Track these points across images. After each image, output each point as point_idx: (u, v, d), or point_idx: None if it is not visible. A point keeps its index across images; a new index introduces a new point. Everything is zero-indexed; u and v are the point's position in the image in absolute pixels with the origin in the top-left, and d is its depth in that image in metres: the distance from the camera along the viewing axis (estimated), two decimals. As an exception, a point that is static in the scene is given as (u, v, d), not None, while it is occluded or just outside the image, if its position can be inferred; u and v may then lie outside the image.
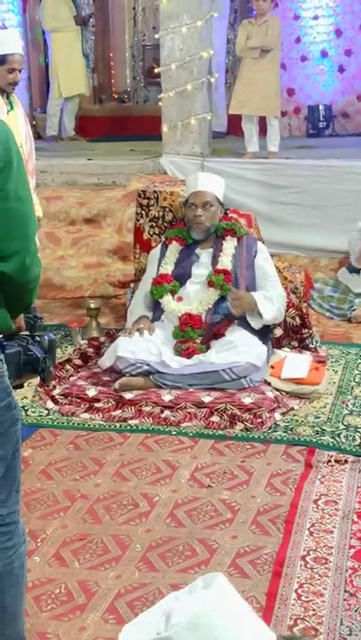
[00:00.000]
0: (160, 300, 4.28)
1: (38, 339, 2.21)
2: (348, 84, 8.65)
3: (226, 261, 4.26)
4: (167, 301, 4.26)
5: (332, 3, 8.57)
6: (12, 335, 2.14)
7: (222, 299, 4.21)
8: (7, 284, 1.98)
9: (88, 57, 8.80)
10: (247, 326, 4.18)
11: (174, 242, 4.39)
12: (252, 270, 4.29)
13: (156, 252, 4.48)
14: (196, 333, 4.16)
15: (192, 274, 4.32)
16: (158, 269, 4.36)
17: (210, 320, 4.19)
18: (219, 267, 4.25)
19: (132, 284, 4.94)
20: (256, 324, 4.18)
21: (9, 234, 1.94)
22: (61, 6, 8.36)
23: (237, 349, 4.00)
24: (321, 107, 8.57)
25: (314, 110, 8.60)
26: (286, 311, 4.48)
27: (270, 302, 4.20)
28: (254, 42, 6.65)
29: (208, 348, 4.11)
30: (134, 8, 10.35)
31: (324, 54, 8.71)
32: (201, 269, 4.32)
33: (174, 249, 4.38)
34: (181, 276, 4.32)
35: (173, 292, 4.28)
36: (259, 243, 4.43)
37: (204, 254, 4.35)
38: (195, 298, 4.25)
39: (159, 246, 4.49)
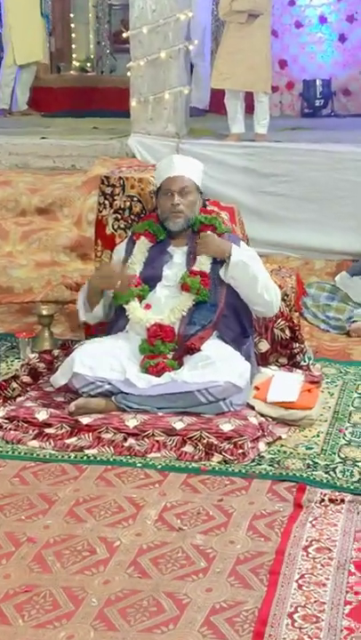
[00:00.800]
0: (125, 307, 4.26)
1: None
2: (350, 56, 8.73)
3: (204, 261, 4.26)
4: (134, 308, 4.24)
5: None
6: None
7: (199, 305, 4.20)
8: None
9: (48, 18, 8.76)
10: (230, 339, 4.19)
11: (143, 237, 4.38)
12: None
13: (120, 248, 4.48)
14: (168, 347, 4.14)
15: (163, 276, 4.31)
16: None
17: (184, 332, 4.18)
18: (195, 267, 4.25)
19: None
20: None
21: None
22: None
23: (215, 366, 3.99)
24: (318, 82, 8.64)
25: (310, 86, 8.67)
26: (274, 322, 4.49)
27: (255, 261, 4.23)
28: (241, 4, 6.69)
29: (181, 364, 4.10)
30: None
31: (322, 20, 8.79)
32: (174, 270, 4.31)
33: (143, 246, 4.37)
34: (151, 278, 4.31)
35: (141, 298, 4.26)
36: (242, 243, 4.43)
37: (178, 253, 4.35)
38: (166, 304, 4.24)
39: (125, 242, 4.48)
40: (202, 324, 4.18)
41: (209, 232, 4.23)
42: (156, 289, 4.29)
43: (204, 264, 4.25)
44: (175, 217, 4.28)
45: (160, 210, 4.36)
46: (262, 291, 4.20)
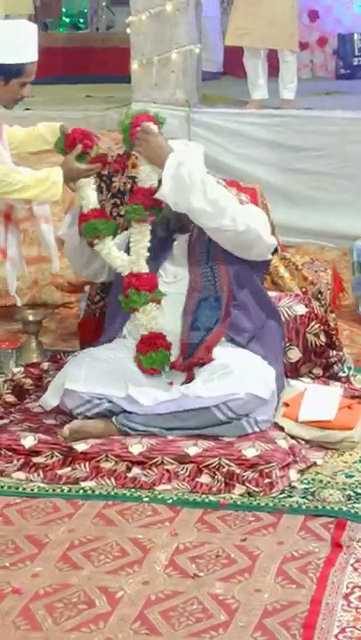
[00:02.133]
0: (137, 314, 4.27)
1: None
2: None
3: (148, 172, 4.28)
4: (149, 315, 4.25)
5: None
6: None
7: (201, 304, 4.23)
8: None
9: None
10: (246, 340, 4.20)
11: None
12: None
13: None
14: (142, 298, 4.18)
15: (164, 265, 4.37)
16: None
17: (187, 339, 4.21)
18: (140, 184, 4.30)
19: (86, 288, 4.94)
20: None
21: None
22: None
23: (234, 376, 4.00)
24: (356, 36, 8.66)
25: (346, 41, 8.70)
26: (307, 326, 4.49)
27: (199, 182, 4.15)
28: None
29: (191, 377, 4.11)
30: None
31: None
32: (174, 259, 4.37)
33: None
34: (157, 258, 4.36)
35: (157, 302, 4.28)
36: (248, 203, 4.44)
37: (180, 241, 4.39)
38: (169, 305, 4.27)
39: None
40: (207, 328, 4.20)
41: (152, 125, 4.21)
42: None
43: (149, 174, 4.26)
44: None
45: None
46: (221, 200, 4.16)
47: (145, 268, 4.23)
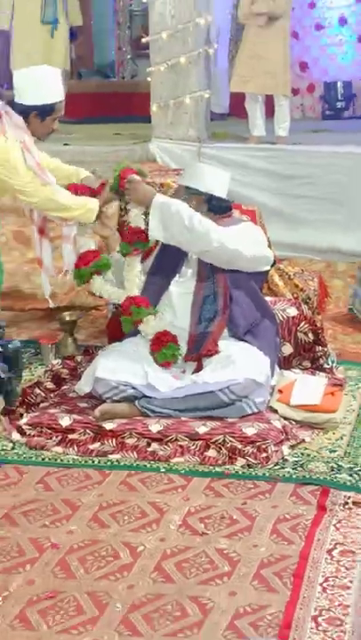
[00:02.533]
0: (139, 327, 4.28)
1: (1, 348, 2.22)
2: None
3: (137, 213, 4.30)
4: (149, 325, 4.25)
5: None
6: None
7: (204, 300, 4.23)
8: None
9: (55, 23, 8.65)
10: (244, 331, 4.19)
11: None
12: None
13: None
14: (175, 349, 4.17)
15: (180, 271, 4.34)
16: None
17: (195, 331, 4.20)
18: (131, 224, 4.32)
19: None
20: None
21: None
22: None
23: (235, 365, 4.00)
24: (339, 84, 8.64)
25: (331, 88, 8.66)
26: (297, 325, 4.49)
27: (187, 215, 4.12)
28: (260, 6, 6.71)
29: (200, 367, 4.12)
30: (119, -33, 10.45)
31: (342, 21, 8.78)
32: (188, 267, 4.34)
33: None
34: (166, 273, 4.34)
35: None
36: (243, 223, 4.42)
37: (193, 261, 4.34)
38: (181, 301, 4.27)
39: None
40: (208, 319, 4.19)
41: (135, 176, 4.23)
42: (170, 287, 4.32)
43: (137, 216, 4.29)
44: None
45: None
46: (198, 225, 4.10)
47: (138, 293, 4.28)
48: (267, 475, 3.61)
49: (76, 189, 4.28)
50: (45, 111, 4.18)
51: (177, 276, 4.33)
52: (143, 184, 4.24)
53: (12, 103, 4.17)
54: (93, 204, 4.25)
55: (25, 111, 4.13)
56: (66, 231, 4.40)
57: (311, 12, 8.76)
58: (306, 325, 4.53)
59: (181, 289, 4.29)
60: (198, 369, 4.13)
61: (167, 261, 4.35)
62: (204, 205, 4.29)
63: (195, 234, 4.10)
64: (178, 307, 4.28)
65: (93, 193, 4.34)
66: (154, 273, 4.37)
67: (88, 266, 4.33)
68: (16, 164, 4.04)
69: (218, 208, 4.33)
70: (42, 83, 4.21)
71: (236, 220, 4.43)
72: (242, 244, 4.17)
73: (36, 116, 4.16)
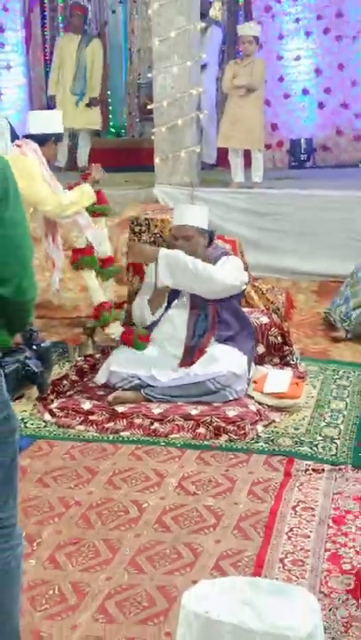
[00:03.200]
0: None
1: (35, 347, 2.22)
2: (327, 120, 8.73)
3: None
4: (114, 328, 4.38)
5: (312, 44, 8.65)
6: (10, 350, 2.15)
7: (198, 319, 4.20)
8: (5, 306, 1.99)
9: (82, 95, 8.65)
10: (228, 337, 4.19)
11: None
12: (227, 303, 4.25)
13: (151, 267, 4.41)
14: (138, 332, 4.25)
15: (181, 295, 4.29)
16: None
17: (189, 343, 4.18)
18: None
19: (125, 305, 4.95)
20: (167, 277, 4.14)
21: (6, 259, 1.95)
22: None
23: (219, 362, 4.01)
24: (302, 140, 8.64)
25: (296, 144, 8.67)
26: (269, 330, 4.50)
27: (187, 263, 4.09)
28: (240, 81, 6.73)
29: (193, 363, 4.11)
30: (130, 49, 10.43)
31: (305, 92, 8.80)
32: (183, 294, 4.27)
33: None
34: (170, 298, 4.30)
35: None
36: (230, 256, 4.33)
37: None
38: (178, 319, 4.23)
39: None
40: (199, 335, 4.17)
41: (134, 242, 4.22)
42: (170, 307, 4.28)
43: (150, 273, 4.28)
44: None
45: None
46: (202, 271, 4.09)
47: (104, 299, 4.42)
48: (244, 448, 3.61)
49: (69, 187, 4.32)
50: (59, 138, 4.39)
51: (175, 301, 4.27)
52: (141, 245, 4.17)
53: (29, 136, 4.26)
54: (85, 186, 4.32)
55: (45, 138, 4.24)
56: (82, 222, 4.39)
57: (280, 84, 8.77)
58: (276, 330, 4.53)
59: (179, 310, 4.25)
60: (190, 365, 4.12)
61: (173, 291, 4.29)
62: (206, 239, 4.26)
63: (199, 277, 4.08)
64: (176, 323, 4.24)
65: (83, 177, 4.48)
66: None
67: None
68: (35, 176, 4.07)
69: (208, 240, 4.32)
70: (55, 119, 4.43)
71: (219, 249, 4.38)
72: (233, 275, 4.16)
73: (53, 141, 4.30)
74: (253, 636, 0.98)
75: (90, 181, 4.39)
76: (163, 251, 4.16)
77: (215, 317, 4.19)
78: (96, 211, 4.43)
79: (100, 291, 4.45)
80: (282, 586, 1.04)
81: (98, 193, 4.43)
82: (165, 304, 4.30)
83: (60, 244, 4.56)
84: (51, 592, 2.56)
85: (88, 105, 8.33)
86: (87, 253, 4.42)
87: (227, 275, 4.14)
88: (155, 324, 4.30)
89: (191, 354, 4.15)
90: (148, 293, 4.33)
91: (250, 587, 1.07)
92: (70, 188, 4.32)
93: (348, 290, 5.25)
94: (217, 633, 0.98)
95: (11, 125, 4.52)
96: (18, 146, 4.12)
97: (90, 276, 4.44)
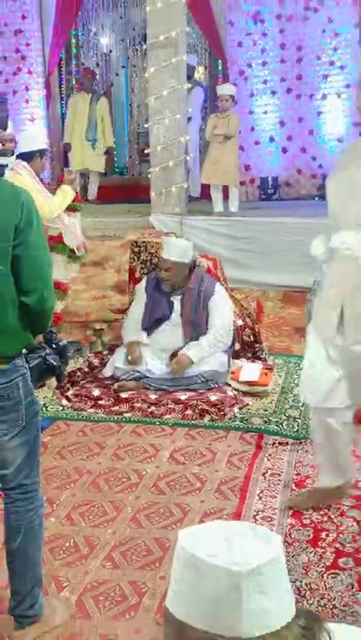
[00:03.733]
0: None
1: (54, 345, 2.22)
2: (289, 162, 8.74)
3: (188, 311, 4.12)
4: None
5: (277, 101, 8.67)
6: (34, 348, 2.15)
7: (192, 331, 4.11)
8: (29, 312, 2.00)
9: (95, 141, 8.65)
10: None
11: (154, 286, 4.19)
12: (206, 312, 4.12)
13: (141, 287, 4.34)
14: None
15: (170, 317, 4.16)
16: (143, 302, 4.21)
17: (179, 348, 4.08)
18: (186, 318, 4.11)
19: (127, 311, 4.94)
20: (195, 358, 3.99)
21: (31, 275, 1.96)
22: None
23: (205, 361, 3.99)
24: (270, 178, 8.65)
25: (264, 181, 8.68)
26: (243, 331, 4.50)
27: (201, 349, 4.00)
28: (219, 130, 6.72)
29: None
30: (131, 105, 10.45)
31: (271, 139, 8.80)
32: (175, 314, 4.16)
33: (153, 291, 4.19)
34: (161, 318, 4.16)
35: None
36: (217, 285, 4.21)
37: (177, 299, 4.17)
38: (172, 331, 4.12)
39: (144, 282, 4.32)
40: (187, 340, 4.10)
41: (177, 367, 3.95)
42: (161, 326, 4.15)
43: (189, 314, 4.10)
44: (164, 283, 4.13)
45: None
46: (211, 348, 4.03)
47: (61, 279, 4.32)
48: (224, 426, 3.61)
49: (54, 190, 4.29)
50: (44, 152, 4.22)
51: (167, 322, 4.14)
52: (182, 361, 3.95)
53: (20, 155, 4.16)
54: (64, 187, 4.26)
55: (32, 155, 4.11)
56: (67, 221, 4.35)
57: (252, 133, 8.77)
58: (248, 331, 4.53)
59: (172, 328, 4.13)
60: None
61: (157, 312, 4.15)
62: (185, 268, 4.10)
63: (214, 350, 4.02)
64: (170, 337, 4.10)
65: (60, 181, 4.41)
66: (149, 318, 4.19)
67: None
68: (31, 190, 4.02)
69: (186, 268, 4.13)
70: (39, 136, 4.35)
71: (208, 279, 4.21)
72: (226, 327, 4.08)
73: (39, 156, 4.15)
74: (213, 567, 0.99)
75: (66, 182, 4.33)
76: (192, 359, 3.97)
77: (203, 327, 4.11)
78: (70, 207, 4.38)
79: (61, 270, 4.37)
80: (261, 531, 1.04)
81: (76, 194, 4.39)
82: (154, 321, 4.15)
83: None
84: (67, 544, 2.55)
85: (106, 152, 8.42)
86: (58, 240, 4.37)
87: (223, 331, 4.06)
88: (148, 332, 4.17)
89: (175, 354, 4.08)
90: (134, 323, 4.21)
91: (238, 527, 1.07)
92: (54, 191, 4.29)
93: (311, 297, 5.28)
94: (189, 562, 1.00)
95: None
96: (12, 169, 4.08)
97: (56, 258, 4.33)
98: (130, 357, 4.03)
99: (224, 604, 0.96)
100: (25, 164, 4.08)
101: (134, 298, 4.44)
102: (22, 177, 3.97)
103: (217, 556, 0.98)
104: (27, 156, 4.10)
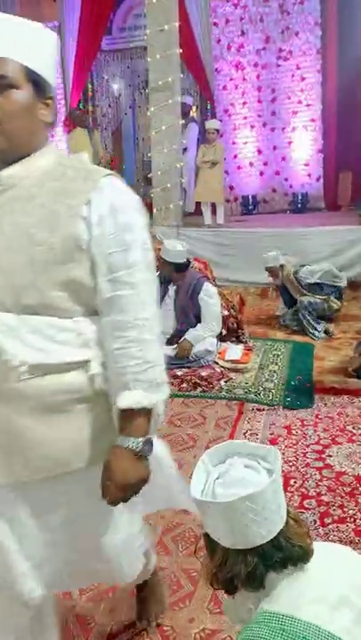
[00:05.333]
0: None
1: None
2: (265, 183, 8.72)
3: (181, 298, 4.10)
4: None
5: (255, 134, 8.64)
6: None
7: (184, 319, 4.09)
8: None
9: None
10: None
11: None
12: (195, 303, 4.08)
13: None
14: None
15: (165, 301, 4.13)
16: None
17: (177, 332, 4.07)
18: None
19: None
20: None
21: None
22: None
23: (198, 343, 3.98)
24: (250, 196, 8.63)
25: (245, 198, 8.66)
26: (228, 320, 4.48)
27: (197, 334, 3.98)
28: (207, 158, 6.71)
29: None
30: (137, 138, 10.41)
31: (251, 165, 8.77)
32: (170, 299, 4.14)
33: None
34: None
35: None
36: (205, 283, 4.13)
37: (172, 289, 4.16)
38: (169, 313, 4.10)
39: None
40: (187, 324, 4.08)
41: (182, 352, 3.90)
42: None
43: (183, 300, 4.05)
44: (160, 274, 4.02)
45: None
46: (205, 334, 4.00)
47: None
48: (212, 395, 3.61)
49: None
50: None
51: (163, 302, 4.07)
52: (185, 346, 3.88)
53: None
54: None
55: None
56: None
57: (235, 160, 8.74)
58: (233, 320, 4.51)
59: (167, 310, 4.07)
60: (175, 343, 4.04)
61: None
62: (171, 267, 4.04)
63: (208, 333, 3.97)
64: (165, 318, 4.00)
65: None
66: None
67: None
68: None
69: (180, 267, 4.06)
70: None
71: (196, 274, 4.17)
72: (215, 320, 4.02)
73: None
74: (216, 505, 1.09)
75: None
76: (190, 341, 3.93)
77: (192, 317, 4.07)
78: None
79: None
80: (254, 463, 1.14)
81: None
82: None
83: None
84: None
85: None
86: None
87: (214, 321, 4.01)
88: None
89: (177, 337, 4.09)
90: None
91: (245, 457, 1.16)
92: None
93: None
94: (202, 507, 1.14)
95: None
96: None
97: None
98: None
99: (235, 527, 1.10)
100: None
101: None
102: None
103: (218, 496, 1.11)
104: None
